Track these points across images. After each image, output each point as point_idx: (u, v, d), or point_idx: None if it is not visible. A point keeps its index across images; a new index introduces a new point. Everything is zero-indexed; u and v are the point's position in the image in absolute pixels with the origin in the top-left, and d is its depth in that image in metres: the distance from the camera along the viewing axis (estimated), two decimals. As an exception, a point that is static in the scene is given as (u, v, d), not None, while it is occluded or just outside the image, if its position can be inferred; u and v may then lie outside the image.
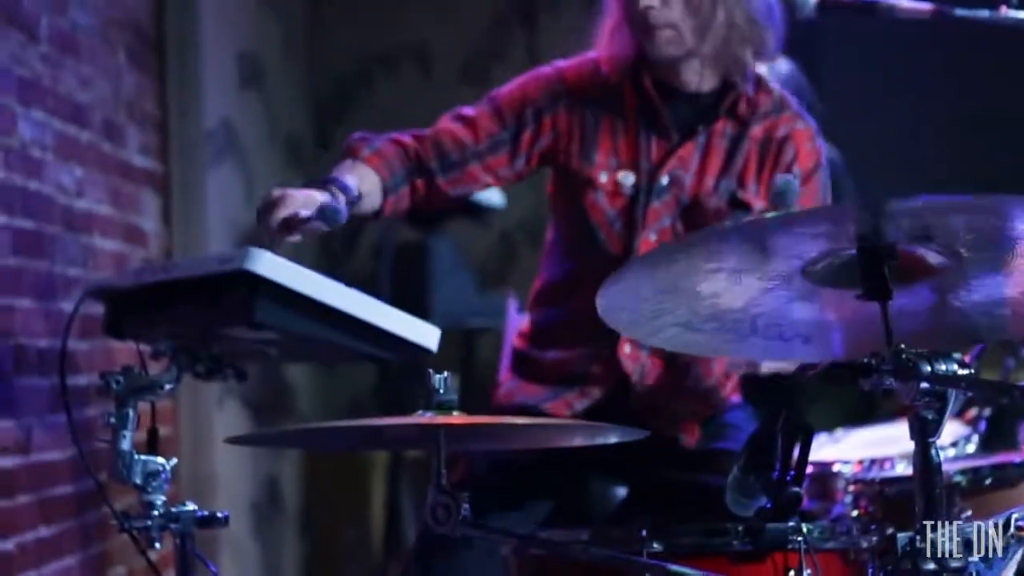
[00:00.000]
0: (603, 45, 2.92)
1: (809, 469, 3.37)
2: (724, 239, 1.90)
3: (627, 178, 2.88)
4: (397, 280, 5.12)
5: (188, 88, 4.60)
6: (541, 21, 6.08)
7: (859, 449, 3.43)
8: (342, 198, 2.62)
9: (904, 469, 3.07)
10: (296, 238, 2.52)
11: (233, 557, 4.81)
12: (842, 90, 4.95)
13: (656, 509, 2.87)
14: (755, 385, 2.90)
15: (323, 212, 2.47)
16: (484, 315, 5.16)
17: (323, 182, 2.67)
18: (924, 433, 1.82)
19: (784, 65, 4.18)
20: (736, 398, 3.04)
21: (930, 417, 1.82)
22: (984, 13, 2.83)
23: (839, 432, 3.65)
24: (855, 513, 2.99)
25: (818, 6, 2.90)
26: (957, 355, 1.81)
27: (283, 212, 2.49)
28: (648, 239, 2.87)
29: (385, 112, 6.13)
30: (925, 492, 1.81)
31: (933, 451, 1.83)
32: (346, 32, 6.24)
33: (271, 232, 2.50)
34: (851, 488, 3.06)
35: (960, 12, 2.83)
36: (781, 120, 2.91)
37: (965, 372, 1.79)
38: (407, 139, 2.87)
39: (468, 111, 2.91)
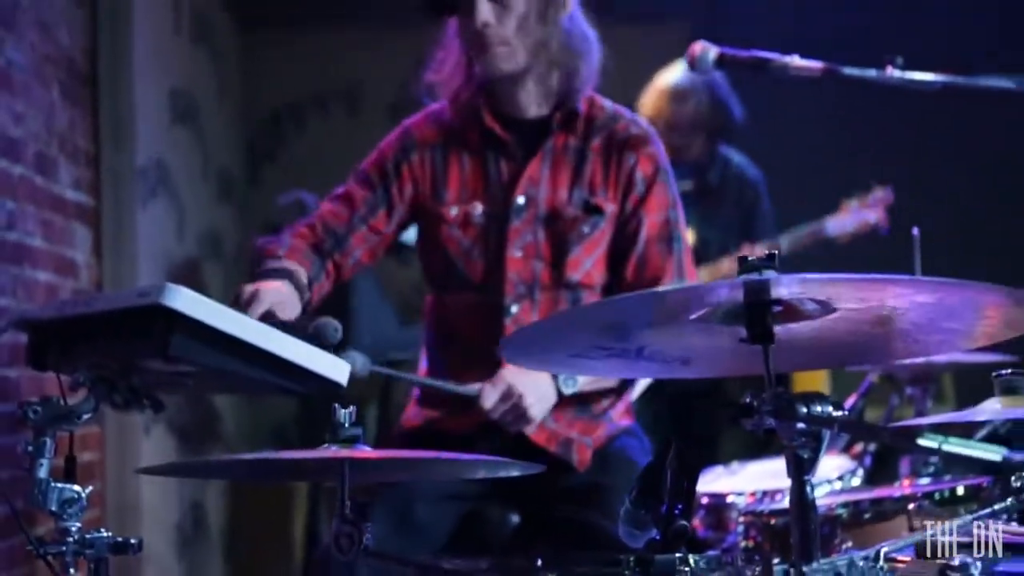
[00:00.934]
0: (445, 80, 3.04)
1: (705, 500, 3.43)
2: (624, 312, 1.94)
3: (476, 208, 3.01)
4: (323, 315, 5.09)
5: (121, 124, 4.59)
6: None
7: (753, 481, 3.46)
8: (303, 283, 2.81)
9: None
10: None
11: (157, 578, 4.78)
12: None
13: (546, 539, 2.90)
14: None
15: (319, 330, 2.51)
16: (404, 347, 5.16)
17: (277, 272, 2.79)
18: (800, 470, 1.83)
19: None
20: (626, 422, 3.08)
21: (806, 455, 1.84)
22: (872, 72, 2.89)
23: (735, 464, 3.69)
24: (746, 543, 3.02)
25: (717, 61, 2.97)
26: (832, 397, 1.83)
27: (259, 310, 2.60)
28: (514, 255, 2.98)
29: (315, 149, 6.15)
30: (800, 526, 1.83)
31: (808, 488, 1.85)
32: (278, 71, 6.25)
33: None
34: (742, 519, 3.09)
35: (848, 71, 2.89)
36: (618, 130, 3.02)
37: (838, 414, 1.82)
38: (304, 231, 2.99)
39: (340, 190, 3.06)
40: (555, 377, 2.85)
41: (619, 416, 3.07)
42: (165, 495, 4.88)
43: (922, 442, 2.07)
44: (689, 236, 4.80)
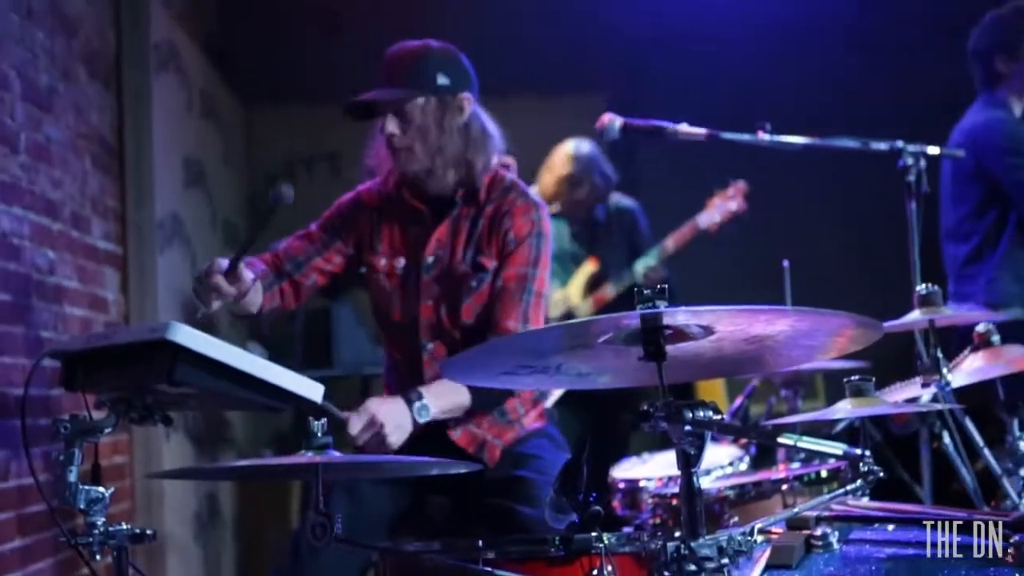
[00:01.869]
0: (379, 163, 3.09)
1: (622, 485, 3.43)
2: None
3: (399, 262, 3.04)
4: (308, 337, 5.10)
5: (142, 187, 4.55)
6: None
7: (661, 468, 3.46)
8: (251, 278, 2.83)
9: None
10: (218, 301, 2.76)
11: (179, 560, 4.72)
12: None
13: (474, 522, 2.90)
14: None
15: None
16: (378, 364, 5.15)
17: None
18: (687, 464, 1.84)
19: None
20: (538, 425, 3.07)
21: (692, 452, 1.84)
22: (746, 136, 2.92)
23: (645, 455, 3.69)
24: (654, 520, 3.02)
25: (621, 129, 2.99)
26: (712, 404, 1.84)
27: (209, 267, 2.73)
28: (426, 304, 3.01)
29: (304, 202, 6.10)
30: (688, 509, 1.83)
31: (695, 478, 1.85)
32: (274, 140, 6.23)
33: (205, 293, 2.74)
34: (652, 500, 3.09)
35: (726, 135, 2.91)
36: (506, 201, 3.02)
37: (717, 417, 1.82)
38: (267, 256, 3.08)
39: (303, 231, 3.13)
40: (410, 406, 2.79)
41: (530, 421, 3.06)
42: (184, 489, 4.84)
43: (781, 440, 2.07)
44: (590, 264, 4.90)
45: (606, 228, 5.05)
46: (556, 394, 3.47)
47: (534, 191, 3.28)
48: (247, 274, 2.77)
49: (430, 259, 3.00)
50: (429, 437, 2.85)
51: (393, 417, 2.76)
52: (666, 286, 1.88)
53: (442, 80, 2.95)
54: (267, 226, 2.68)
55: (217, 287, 2.73)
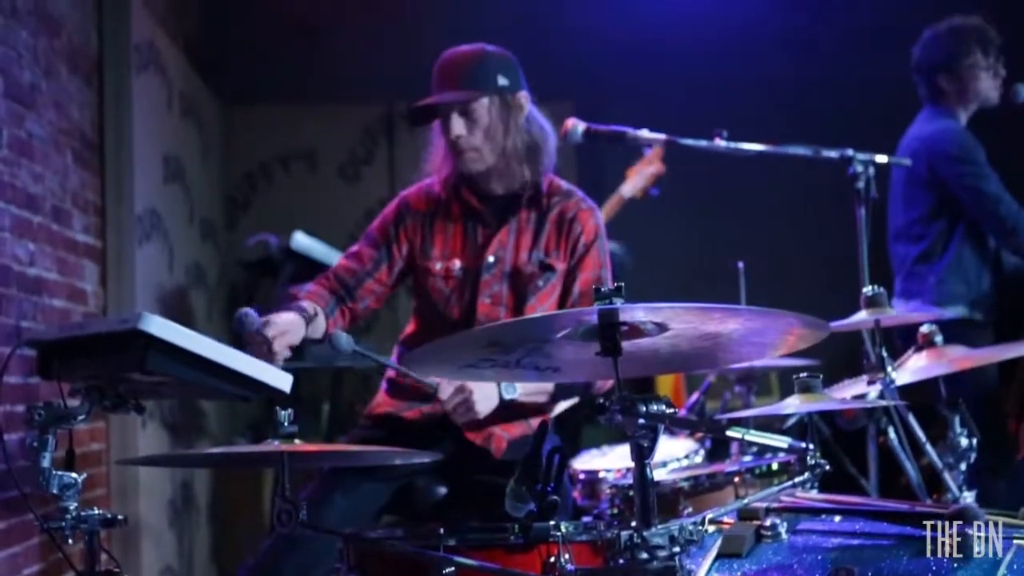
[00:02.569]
0: (436, 168, 3.04)
1: (582, 476, 3.43)
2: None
3: (455, 264, 2.99)
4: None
5: (122, 182, 4.50)
6: (398, 135, 6.12)
7: (619, 460, 3.46)
8: (311, 315, 2.84)
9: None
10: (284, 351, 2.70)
11: (154, 546, 4.68)
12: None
13: (469, 505, 2.87)
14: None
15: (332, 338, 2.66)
16: (349, 358, 5.11)
17: (290, 307, 2.82)
18: (641, 455, 1.84)
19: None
20: (538, 421, 3.05)
21: (645, 444, 1.84)
22: (703, 142, 2.92)
23: (605, 447, 3.69)
24: (613, 510, 3.02)
25: (584, 134, 2.98)
26: (665, 398, 1.83)
27: (272, 331, 2.67)
28: (484, 302, 2.97)
29: (280, 200, 6.10)
30: (640, 499, 1.83)
31: (648, 469, 1.85)
32: (251, 139, 6.20)
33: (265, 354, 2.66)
34: (610, 490, 3.09)
35: (685, 141, 2.92)
36: (569, 205, 3.00)
37: (670, 411, 1.82)
38: (323, 280, 3.03)
39: (353, 248, 3.07)
40: (498, 384, 2.79)
41: (537, 423, 3.03)
42: (160, 476, 4.79)
43: (730, 433, 2.07)
44: None
45: None
46: (563, 405, 3.46)
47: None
48: (305, 310, 2.78)
49: (491, 259, 2.96)
50: (442, 429, 2.86)
51: (481, 387, 2.77)
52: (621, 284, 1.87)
53: (502, 80, 2.93)
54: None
55: (268, 346, 2.67)
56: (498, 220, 2.98)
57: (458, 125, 2.90)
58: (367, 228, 3.11)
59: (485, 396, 2.78)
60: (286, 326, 2.71)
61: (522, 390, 2.82)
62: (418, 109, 2.96)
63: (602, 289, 2.90)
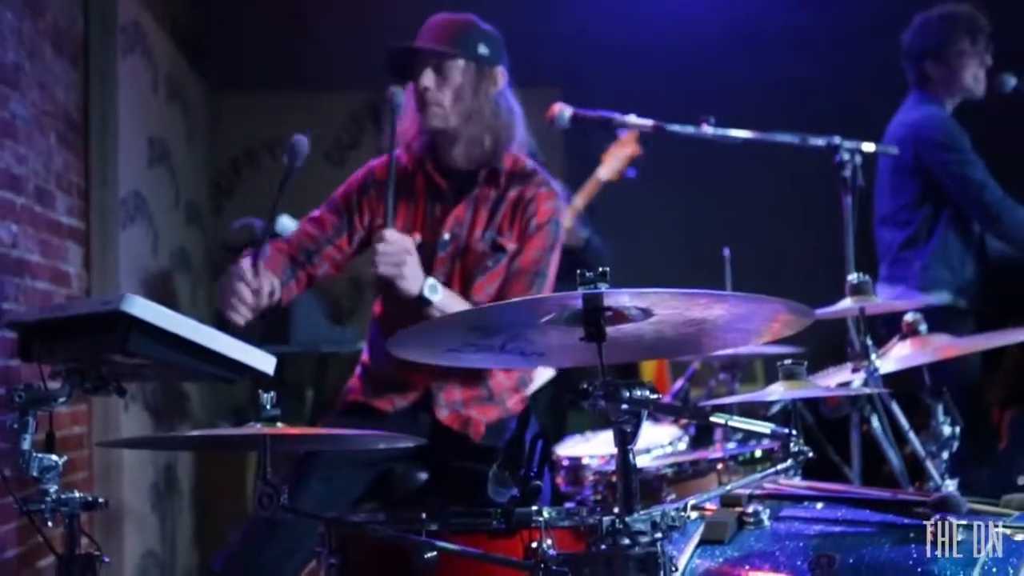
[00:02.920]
0: (404, 130, 3.01)
1: (566, 462, 3.43)
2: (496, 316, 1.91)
3: (416, 238, 2.96)
4: (267, 316, 5.02)
5: (107, 164, 4.47)
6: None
7: (603, 446, 3.45)
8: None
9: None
10: (247, 311, 2.78)
11: (136, 529, 4.66)
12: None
13: (447, 491, 2.86)
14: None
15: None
16: (334, 343, 5.12)
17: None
18: (624, 441, 1.82)
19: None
20: (519, 408, 3.04)
21: (628, 430, 1.82)
22: (690, 129, 2.91)
23: (589, 433, 3.68)
24: (596, 496, 3.02)
25: (571, 119, 2.97)
26: (649, 384, 1.82)
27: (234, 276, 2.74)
28: (437, 279, 2.93)
29: (266, 186, 6.05)
30: (623, 485, 1.82)
31: (631, 455, 1.83)
32: (238, 123, 6.17)
33: (234, 305, 2.75)
34: (594, 476, 3.08)
35: (671, 127, 2.90)
36: (530, 186, 2.98)
37: (654, 397, 1.81)
38: (283, 245, 3.01)
39: (315, 213, 3.06)
40: (426, 278, 2.83)
41: (513, 404, 3.03)
42: (143, 460, 4.77)
43: (712, 419, 2.06)
44: None
45: None
46: (537, 382, 3.44)
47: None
48: (266, 277, 2.76)
49: (447, 236, 2.96)
50: (416, 418, 2.85)
51: (415, 265, 2.80)
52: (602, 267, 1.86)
53: (482, 49, 2.95)
54: (283, 196, 2.60)
55: (242, 298, 2.71)
56: (455, 196, 2.99)
57: (428, 78, 2.92)
58: (333, 193, 3.09)
59: (415, 274, 2.81)
60: (268, 285, 2.76)
61: (443, 294, 2.84)
62: (398, 64, 2.96)
63: (549, 275, 2.94)
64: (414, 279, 2.80)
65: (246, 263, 2.73)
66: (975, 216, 4.06)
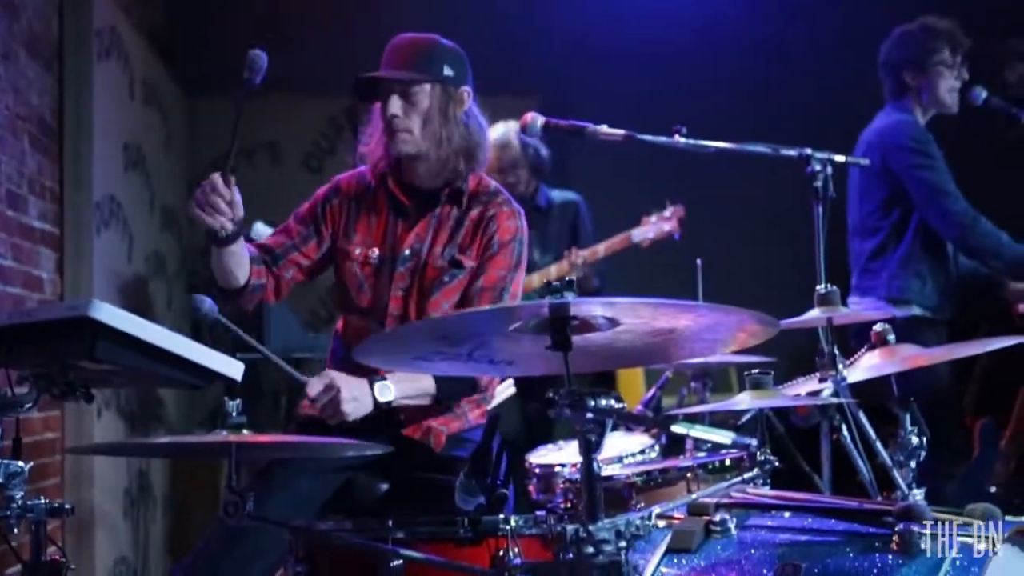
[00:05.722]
0: (370, 150, 3.02)
1: (538, 470, 3.43)
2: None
3: (374, 252, 2.98)
4: (240, 321, 5.00)
5: (81, 169, 4.45)
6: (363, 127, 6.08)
7: (574, 455, 3.45)
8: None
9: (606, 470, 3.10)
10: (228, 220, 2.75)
11: (108, 536, 4.64)
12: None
13: (408, 501, 2.85)
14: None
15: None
16: (307, 349, 5.11)
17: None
18: (588, 450, 1.83)
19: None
20: (482, 420, 3.04)
21: (593, 438, 1.83)
22: (663, 138, 2.92)
23: (561, 442, 3.68)
24: (566, 504, 3.01)
25: (543, 127, 2.98)
26: (615, 393, 1.83)
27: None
28: (396, 295, 2.94)
29: (243, 191, 6.02)
30: (587, 494, 1.83)
31: (595, 464, 1.84)
32: (215, 128, 6.14)
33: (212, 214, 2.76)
34: (564, 484, 3.08)
35: (643, 136, 2.91)
36: (492, 205, 2.98)
37: (618, 406, 1.82)
38: (252, 247, 3.00)
39: (282, 225, 3.07)
40: (372, 385, 2.76)
41: (475, 417, 3.02)
42: (115, 466, 4.75)
43: (675, 428, 2.07)
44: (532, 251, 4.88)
45: (546, 217, 5.03)
46: (500, 396, 3.44)
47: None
48: (237, 195, 2.75)
49: (407, 252, 2.94)
50: (379, 430, 2.80)
51: (351, 387, 2.73)
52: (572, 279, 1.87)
53: (448, 71, 2.94)
54: (243, 111, 2.62)
55: (218, 208, 2.73)
56: (418, 213, 2.99)
57: (395, 105, 2.91)
58: (299, 207, 3.09)
59: (354, 397, 2.73)
60: (240, 203, 2.76)
61: (399, 391, 2.78)
62: (363, 86, 2.97)
63: (512, 294, 2.93)
64: (360, 402, 2.74)
65: (216, 176, 2.71)
66: (938, 226, 4.08)
